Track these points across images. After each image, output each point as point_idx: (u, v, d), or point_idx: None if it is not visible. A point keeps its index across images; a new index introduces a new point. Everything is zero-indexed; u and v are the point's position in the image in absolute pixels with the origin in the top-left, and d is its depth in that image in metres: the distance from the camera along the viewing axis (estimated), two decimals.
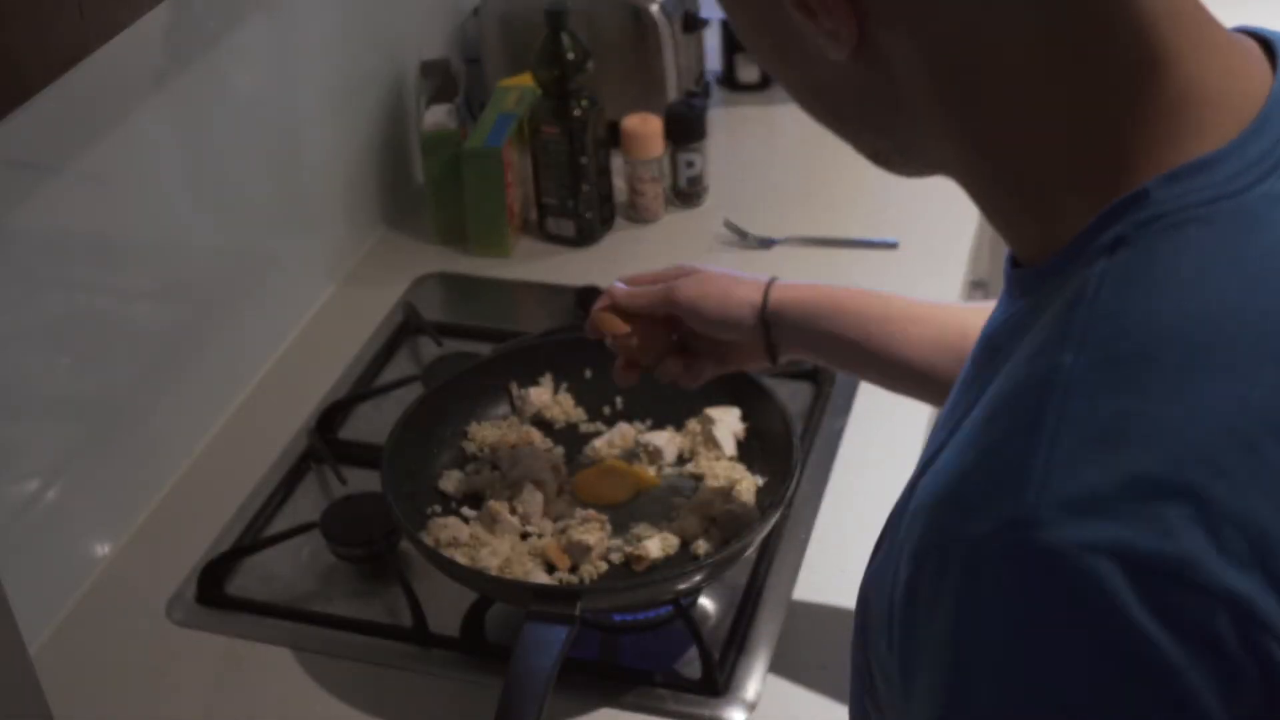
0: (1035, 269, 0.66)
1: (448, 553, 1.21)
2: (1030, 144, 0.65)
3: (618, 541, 1.26)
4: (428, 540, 1.23)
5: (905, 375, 1.14)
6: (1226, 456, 0.57)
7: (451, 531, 1.25)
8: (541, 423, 1.40)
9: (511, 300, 1.71)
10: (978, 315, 0.89)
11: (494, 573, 1.20)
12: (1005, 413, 0.61)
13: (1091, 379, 0.59)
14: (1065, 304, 0.62)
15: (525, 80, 1.76)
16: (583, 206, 1.74)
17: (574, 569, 1.23)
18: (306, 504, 1.41)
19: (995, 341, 0.68)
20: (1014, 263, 0.70)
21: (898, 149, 0.72)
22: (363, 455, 1.42)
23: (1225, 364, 0.58)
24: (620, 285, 1.23)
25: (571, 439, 1.39)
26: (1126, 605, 0.55)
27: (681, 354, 1.23)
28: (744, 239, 1.75)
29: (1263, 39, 0.68)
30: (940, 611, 0.60)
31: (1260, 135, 0.63)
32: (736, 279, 1.19)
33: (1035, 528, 0.56)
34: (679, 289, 1.19)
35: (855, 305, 1.15)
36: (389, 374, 1.58)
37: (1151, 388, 0.58)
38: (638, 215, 1.81)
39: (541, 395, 1.41)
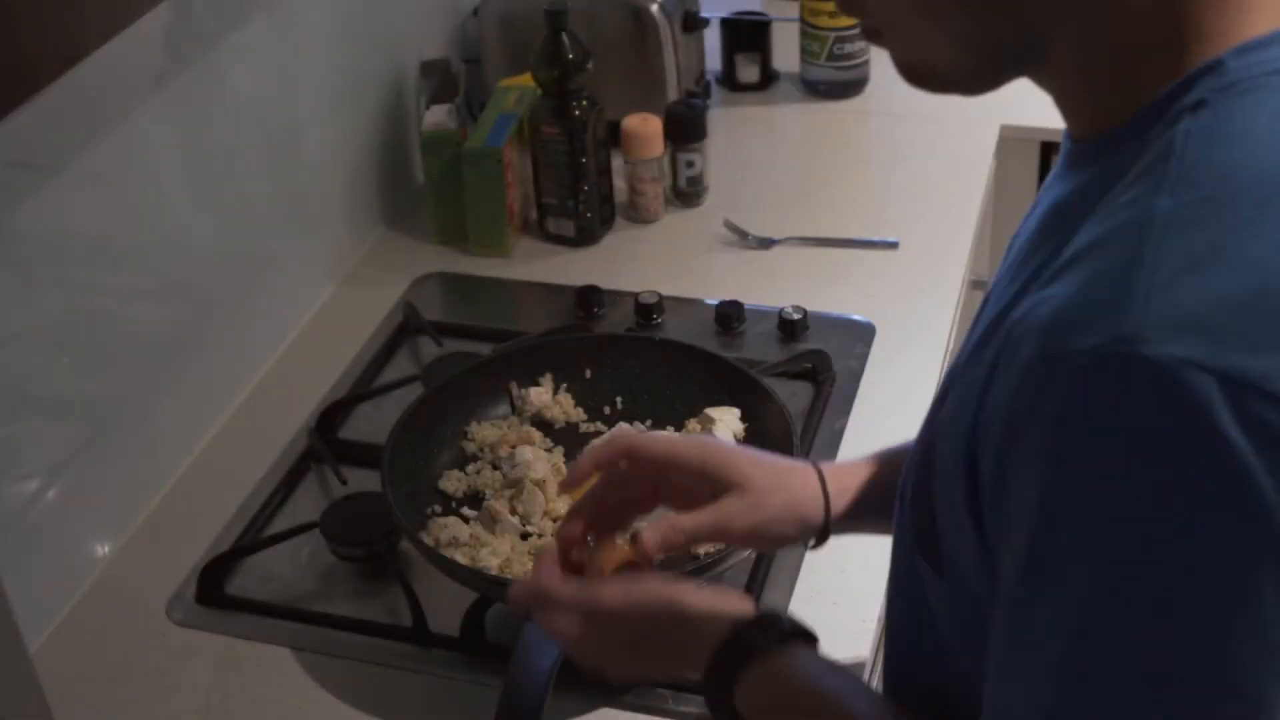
0: (1108, 135, 0.74)
1: (448, 553, 1.21)
2: (1124, 15, 0.72)
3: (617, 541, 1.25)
4: (428, 540, 1.23)
5: None
6: None
7: (451, 531, 1.25)
8: (541, 423, 1.40)
9: (511, 300, 1.71)
10: None
11: (494, 573, 1.20)
12: (1105, 249, 0.68)
13: (1183, 218, 0.66)
14: (1155, 158, 0.69)
15: (525, 80, 1.76)
16: (583, 206, 1.74)
17: None
18: (306, 504, 1.41)
19: (1065, 208, 0.75)
20: (1074, 141, 0.78)
21: (1018, 34, 0.74)
22: (363, 455, 1.42)
23: None
24: (649, 537, 1.00)
25: (571, 439, 1.39)
26: (1216, 411, 0.63)
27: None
28: (744, 239, 1.75)
29: None
30: (1045, 418, 0.67)
31: None
32: (789, 503, 1.03)
33: (1139, 343, 0.63)
34: (732, 522, 1.02)
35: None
36: (389, 374, 1.58)
37: (1235, 225, 0.66)
38: (638, 215, 1.81)
39: (541, 395, 1.41)
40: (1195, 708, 0.66)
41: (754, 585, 1.28)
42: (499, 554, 1.22)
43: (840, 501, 1.05)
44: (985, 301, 0.85)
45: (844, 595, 1.27)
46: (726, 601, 0.95)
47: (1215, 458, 0.63)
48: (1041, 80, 0.77)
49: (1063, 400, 0.66)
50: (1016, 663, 0.71)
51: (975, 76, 0.77)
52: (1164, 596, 0.65)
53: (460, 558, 1.22)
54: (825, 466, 1.06)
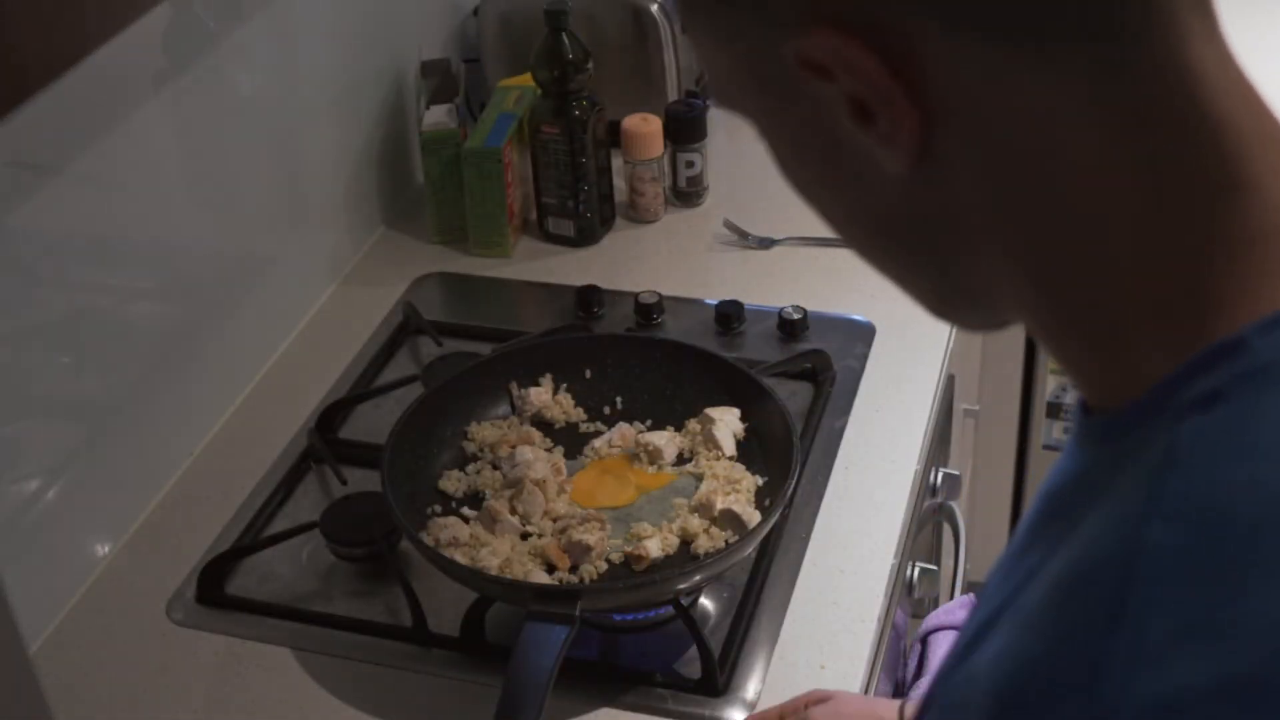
0: (1112, 418, 0.58)
1: (448, 553, 1.21)
2: (1101, 276, 0.57)
3: (617, 541, 1.26)
4: (428, 540, 1.23)
5: None
6: None
7: (452, 531, 1.25)
8: (541, 423, 1.40)
9: (511, 300, 1.71)
10: None
11: (494, 573, 1.20)
12: (1080, 594, 0.53)
13: (1185, 560, 0.50)
14: (1152, 467, 0.53)
15: (525, 80, 1.76)
16: (583, 206, 1.74)
17: (574, 569, 1.23)
18: (306, 504, 1.41)
19: (1060, 500, 0.60)
20: (1085, 409, 0.61)
21: (956, 288, 0.63)
22: (363, 455, 1.42)
23: None
24: None
25: (571, 439, 1.39)
26: None
27: None
28: (744, 239, 1.75)
29: None
30: None
31: None
32: (866, 706, 1.08)
33: None
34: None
35: None
36: (389, 374, 1.58)
37: (1255, 574, 0.49)
38: (638, 215, 1.81)
39: (541, 395, 1.41)
40: None
41: (754, 585, 1.28)
42: (499, 554, 1.22)
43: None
44: (981, 597, 0.68)
45: (844, 595, 1.27)
46: None
47: None
48: (1037, 337, 0.62)
49: None
50: None
51: (955, 322, 0.67)
52: None
53: (460, 558, 1.22)
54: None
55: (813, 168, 0.62)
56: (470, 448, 1.37)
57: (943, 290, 0.64)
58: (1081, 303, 0.58)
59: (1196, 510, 0.51)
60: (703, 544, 1.24)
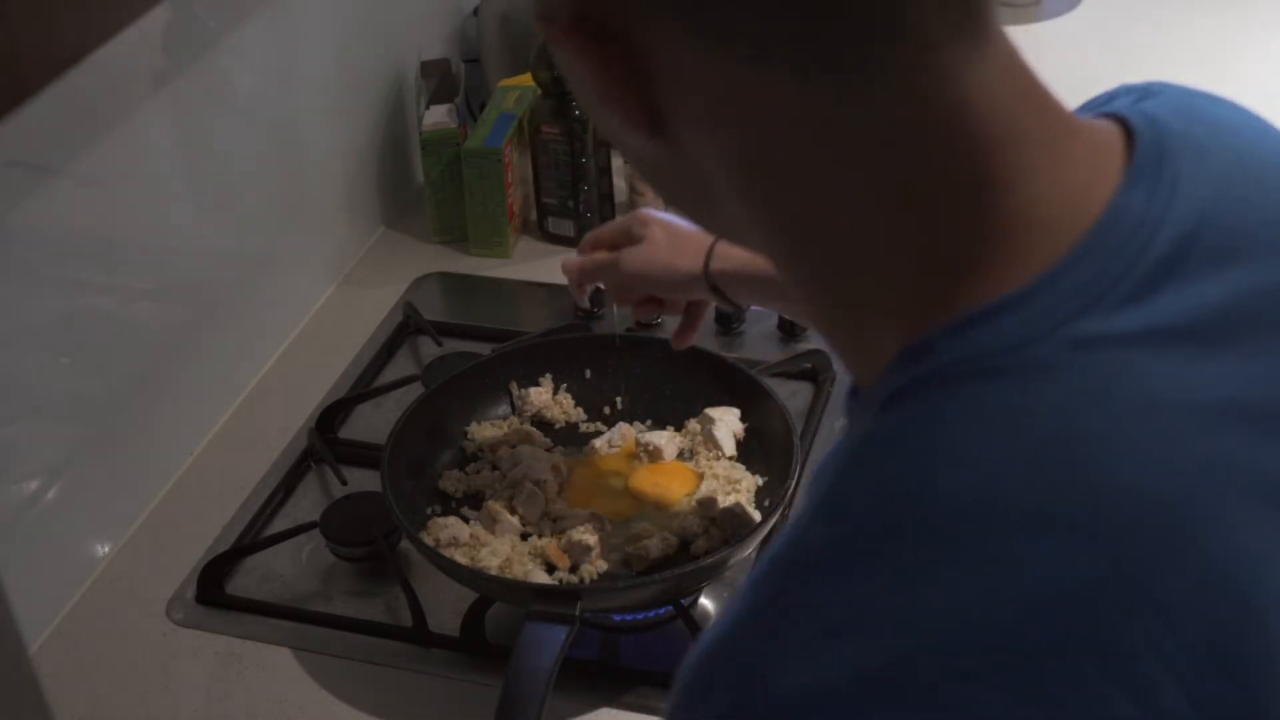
0: (847, 406, 0.61)
1: (448, 553, 1.21)
2: (843, 267, 0.58)
3: (618, 541, 1.26)
4: (428, 540, 1.23)
5: None
6: (970, 657, 0.50)
7: (452, 531, 1.25)
8: (541, 423, 1.40)
9: (511, 300, 1.71)
10: None
11: (494, 573, 1.20)
12: (760, 582, 0.55)
13: (836, 559, 0.53)
14: (833, 466, 0.56)
15: (525, 80, 1.76)
16: (583, 206, 1.74)
17: (574, 569, 1.23)
18: (306, 504, 1.41)
19: (813, 478, 0.60)
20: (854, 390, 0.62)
21: (729, 236, 0.67)
22: (363, 455, 1.42)
23: (966, 559, 0.51)
24: (572, 259, 1.27)
25: (571, 439, 1.39)
26: None
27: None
28: None
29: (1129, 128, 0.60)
30: None
31: (1080, 264, 0.55)
32: (678, 248, 1.19)
33: (763, 681, 0.52)
34: (624, 262, 1.21)
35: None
36: (389, 374, 1.58)
37: (896, 574, 0.51)
38: None
39: (541, 395, 1.41)
40: None
41: None
42: (499, 554, 1.22)
43: (725, 266, 1.15)
44: None
45: None
46: None
47: None
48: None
49: None
50: None
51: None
52: None
53: (460, 558, 1.22)
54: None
55: (601, 123, 0.65)
56: (470, 448, 1.37)
57: (715, 232, 0.70)
58: (830, 291, 0.59)
59: (854, 512, 0.54)
60: (702, 544, 1.24)
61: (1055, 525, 0.51)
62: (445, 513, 1.30)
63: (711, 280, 1.17)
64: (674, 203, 0.68)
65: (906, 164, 0.55)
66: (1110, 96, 0.65)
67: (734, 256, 1.15)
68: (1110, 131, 0.60)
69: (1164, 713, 0.50)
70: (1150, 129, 0.59)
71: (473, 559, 1.22)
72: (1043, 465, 0.52)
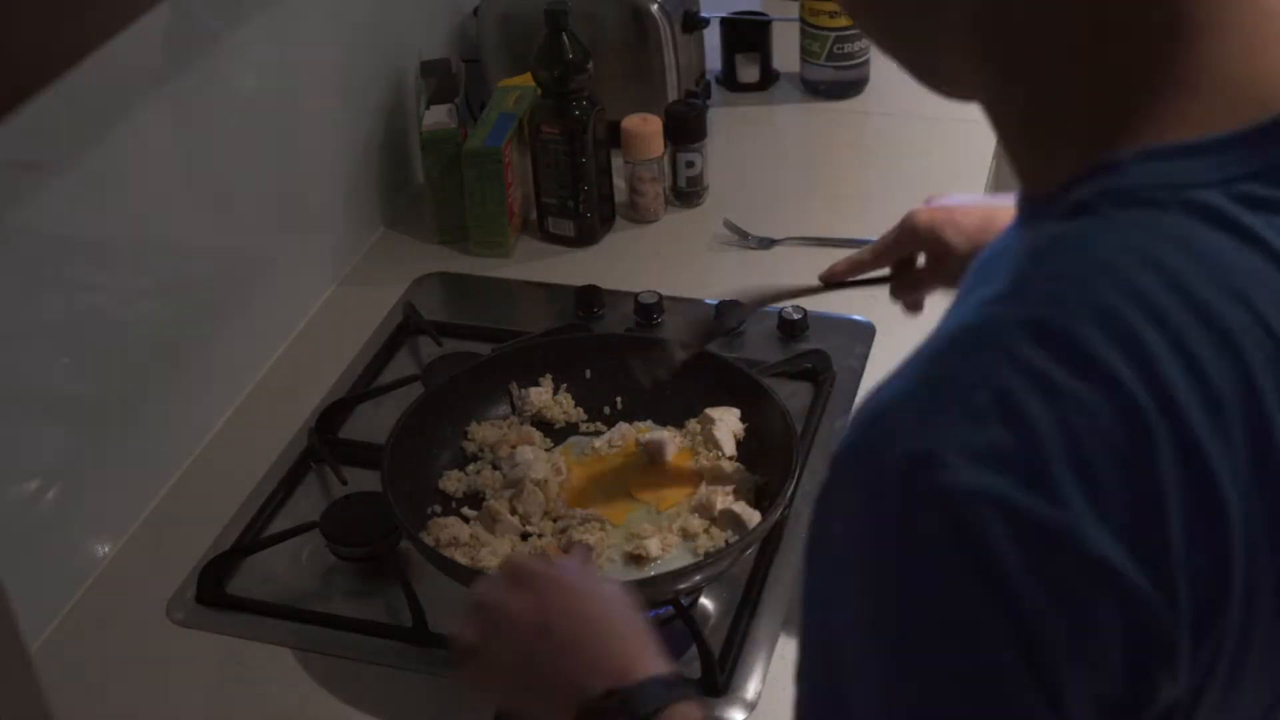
0: (1026, 209, 0.69)
1: (447, 553, 1.21)
2: (1048, 86, 0.66)
3: (618, 541, 1.26)
4: (428, 540, 1.23)
5: None
6: (1120, 434, 0.59)
7: (452, 531, 1.25)
8: (541, 423, 1.40)
9: (511, 300, 1.71)
10: None
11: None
12: (941, 352, 0.63)
13: (1020, 339, 0.60)
14: (1021, 257, 0.64)
15: (525, 80, 1.76)
16: (583, 206, 1.74)
17: None
18: (306, 504, 1.41)
19: (977, 273, 0.69)
20: (1020, 191, 0.72)
21: (934, 65, 0.73)
22: (363, 455, 1.42)
23: (1142, 346, 0.60)
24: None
25: (572, 439, 1.39)
26: (999, 552, 0.58)
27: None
28: (744, 239, 1.75)
29: None
30: (842, 517, 0.64)
31: (1266, 135, 0.63)
32: (994, 211, 1.22)
33: (933, 465, 0.59)
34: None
35: None
36: (389, 374, 1.58)
37: (1068, 359, 0.60)
38: (638, 215, 1.81)
39: (541, 395, 1.41)
40: None
41: (754, 585, 1.28)
42: (499, 554, 1.22)
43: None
44: None
45: None
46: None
47: (995, 599, 0.59)
48: (991, 124, 0.72)
49: (852, 502, 0.63)
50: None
51: (937, 91, 0.75)
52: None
53: (460, 557, 1.22)
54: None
55: None
56: (470, 448, 1.37)
57: (924, 65, 0.73)
58: (1027, 101, 0.67)
59: (1038, 301, 0.62)
60: (703, 544, 1.24)
61: (1211, 329, 0.60)
62: (445, 513, 1.30)
63: None
64: (896, 36, 0.73)
65: (1123, 10, 0.64)
66: None
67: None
68: None
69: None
70: None
71: (473, 559, 1.22)
72: (1205, 288, 0.61)
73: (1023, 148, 0.69)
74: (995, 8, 0.66)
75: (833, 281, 1.32)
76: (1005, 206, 1.13)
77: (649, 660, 0.94)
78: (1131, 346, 0.60)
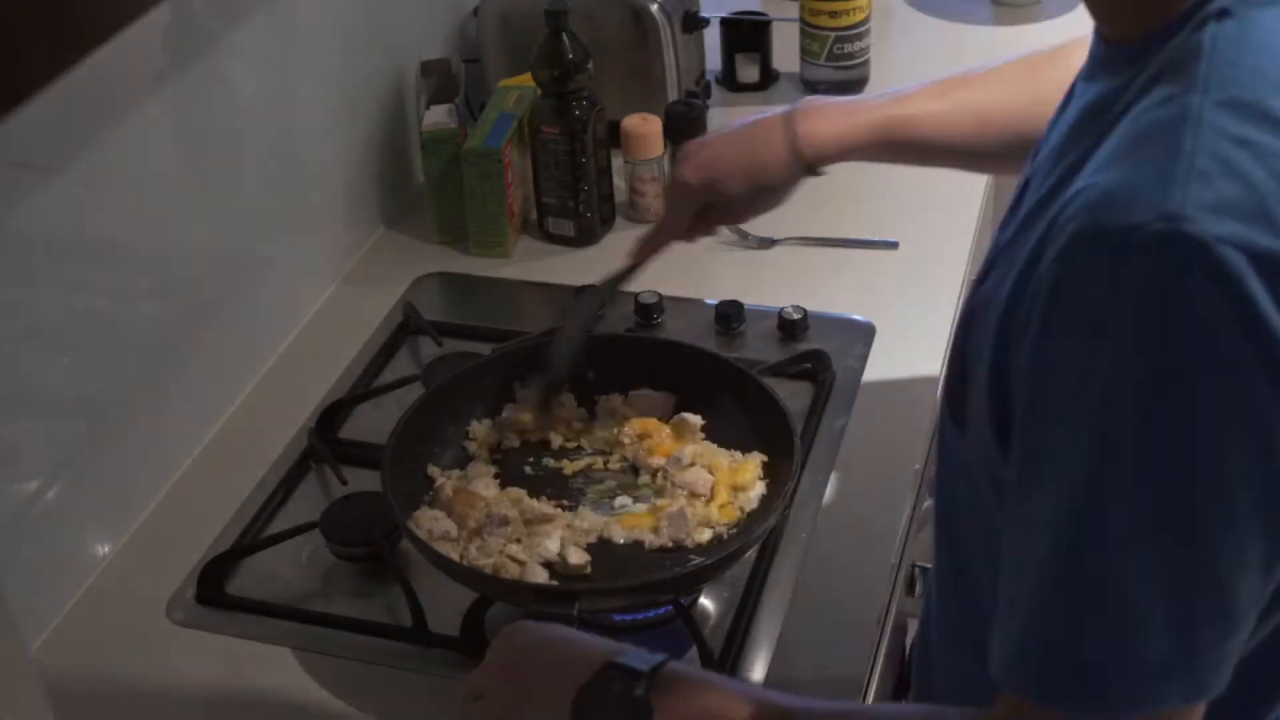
0: (1139, 40, 0.81)
1: (439, 546, 1.22)
2: None
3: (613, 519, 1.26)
4: (420, 533, 1.23)
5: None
6: None
7: (444, 525, 1.25)
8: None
9: (511, 300, 1.71)
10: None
11: (489, 572, 1.20)
12: (1146, 141, 0.75)
13: (1219, 114, 0.73)
14: (1185, 60, 0.76)
15: (525, 80, 1.76)
16: (583, 206, 1.74)
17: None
18: (306, 504, 1.41)
19: (1098, 109, 0.82)
20: (1105, 41, 0.86)
21: None
22: (363, 455, 1.42)
23: None
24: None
25: (556, 480, 1.38)
26: (1250, 284, 0.70)
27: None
28: (744, 239, 1.75)
29: None
30: (1093, 289, 0.73)
31: None
32: (753, 147, 1.25)
33: (1181, 221, 0.70)
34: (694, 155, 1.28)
35: (888, 136, 1.25)
36: (389, 374, 1.58)
37: (1264, 123, 0.73)
38: (638, 215, 1.81)
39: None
40: (1183, 579, 0.73)
41: (754, 585, 1.28)
42: (489, 552, 1.22)
43: (824, 151, 1.25)
44: (1023, 189, 0.93)
45: (844, 594, 1.27)
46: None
47: (1249, 326, 0.70)
48: None
49: (1107, 273, 0.72)
50: (1026, 516, 0.78)
51: None
52: (1191, 458, 0.72)
53: (450, 552, 1.22)
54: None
55: None
56: (471, 448, 1.37)
57: None
58: None
59: (1221, 84, 0.75)
60: (702, 536, 1.24)
61: None
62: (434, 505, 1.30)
63: (812, 168, 1.25)
64: None
65: None
66: None
67: (831, 141, 1.23)
68: None
69: None
70: None
71: (462, 555, 1.22)
72: None
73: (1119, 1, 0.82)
74: None
75: (643, 260, 1.33)
76: (765, 136, 1.23)
77: (627, 646, 1.00)
78: None
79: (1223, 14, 0.77)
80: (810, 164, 1.25)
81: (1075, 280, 0.74)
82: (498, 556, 1.22)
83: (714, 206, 1.28)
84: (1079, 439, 0.74)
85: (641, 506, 1.29)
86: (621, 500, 1.30)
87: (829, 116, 1.25)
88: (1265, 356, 0.70)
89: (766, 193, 1.28)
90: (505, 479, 1.33)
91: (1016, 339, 0.79)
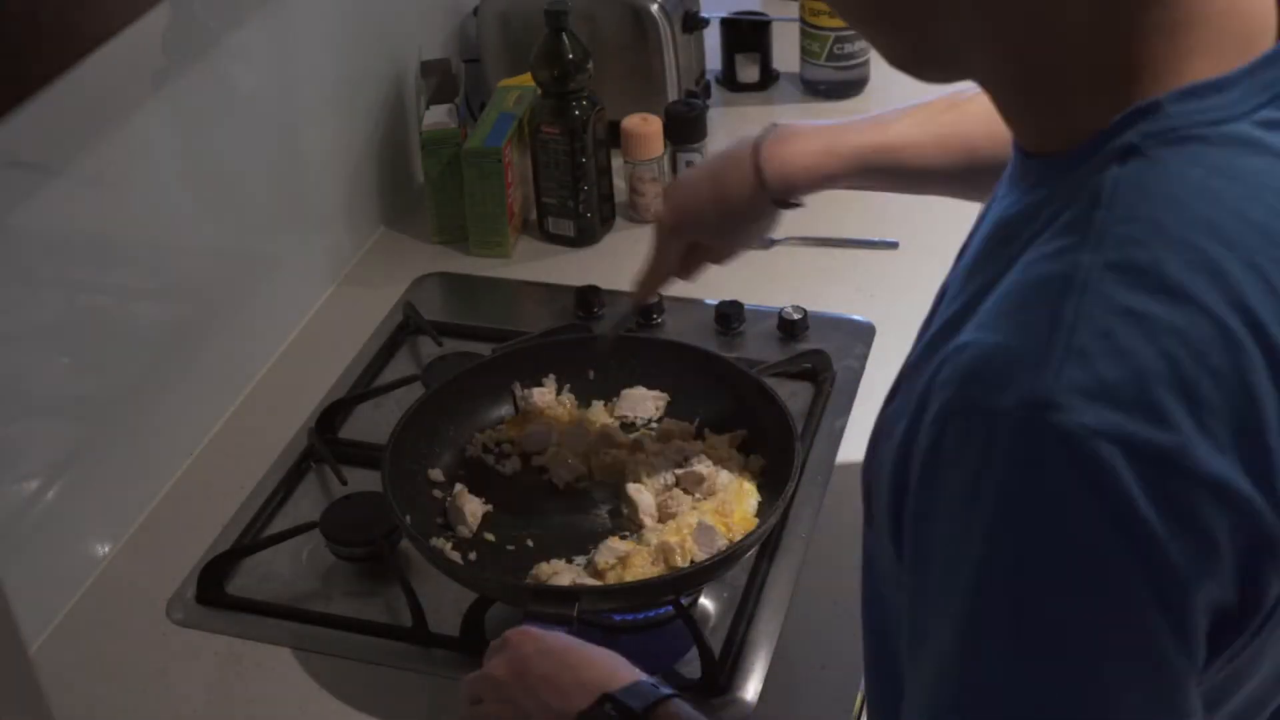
0: (1052, 160, 0.72)
1: (437, 543, 1.21)
2: (1054, 45, 0.69)
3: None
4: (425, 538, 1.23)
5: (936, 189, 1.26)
6: (1216, 355, 0.63)
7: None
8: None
9: (511, 300, 1.71)
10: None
11: (490, 572, 1.20)
12: (1029, 302, 0.66)
13: (1106, 279, 0.64)
14: (1083, 206, 0.67)
15: (525, 80, 1.76)
16: (583, 206, 1.74)
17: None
18: (306, 504, 1.41)
19: (1009, 228, 0.73)
20: (1024, 153, 0.75)
21: (932, 48, 0.75)
22: (363, 455, 1.42)
23: (1221, 271, 0.64)
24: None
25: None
26: (1123, 482, 0.62)
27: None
28: None
29: None
30: (961, 471, 0.66)
31: (1272, 64, 0.68)
32: (720, 180, 1.21)
33: (1052, 409, 0.62)
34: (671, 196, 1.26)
35: (867, 165, 1.19)
36: (389, 374, 1.58)
37: (1158, 291, 0.64)
38: (638, 215, 1.81)
39: (545, 396, 1.41)
40: None
41: (754, 585, 1.28)
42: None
43: (789, 181, 1.19)
44: (941, 296, 0.87)
45: (843, 595, 1.27)
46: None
47: (1122, 526, 0.62)
48: (990, 93, 0.75)
49: (978, 452, 0.65)
50: (912, 667, 0.72)
51: (917, 74, 0.78)
52: (1057, 667, 0.64)
53: (450, 551, 1.22)
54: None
55: None
56: (471, 450, 1.37)
57: (920, 50, 0.76)
58: (1036, 64, 0.70)
59: (1116, 242, 0.65)
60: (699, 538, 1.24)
61: (1276, 246, 0.65)
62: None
63: (778, 200, 1.20)
64: (887, 17, 0.75)
65: None
66: None
67: (794, 172, 1.18)
68: None
69: None
70: None
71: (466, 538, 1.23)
72: (1260, 210, 0.66)
73: (1034, 112, 0.73)
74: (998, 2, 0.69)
75: (643, 301, 1.34)
76: (732, 169, 1.18)
77: (629, 672, 0.98)
78: (1213, 273, 0.64)
79: (1129, 152, 0.67)
80: (778, 195, 1.19)
81: (949, 452, 0.67)
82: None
83: (697, 245, 1.25)
84: (952, 615, 0.67)
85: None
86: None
87: (800, 145, 1.18)
88: (1142, 559, 0.62)
89: (739, 226, 1.22)
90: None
91: (909, 483, 0.72)
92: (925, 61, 0.76)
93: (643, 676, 0.97)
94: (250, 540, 1.36)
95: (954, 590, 0.67)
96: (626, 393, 1.40)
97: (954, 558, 0.67)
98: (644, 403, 1.39)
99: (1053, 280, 0.66)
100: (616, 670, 0.99)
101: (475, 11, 1.95)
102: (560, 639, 1.03)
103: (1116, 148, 0.68)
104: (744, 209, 1.20)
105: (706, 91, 1.99)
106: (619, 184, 1.81)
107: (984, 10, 0.70)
